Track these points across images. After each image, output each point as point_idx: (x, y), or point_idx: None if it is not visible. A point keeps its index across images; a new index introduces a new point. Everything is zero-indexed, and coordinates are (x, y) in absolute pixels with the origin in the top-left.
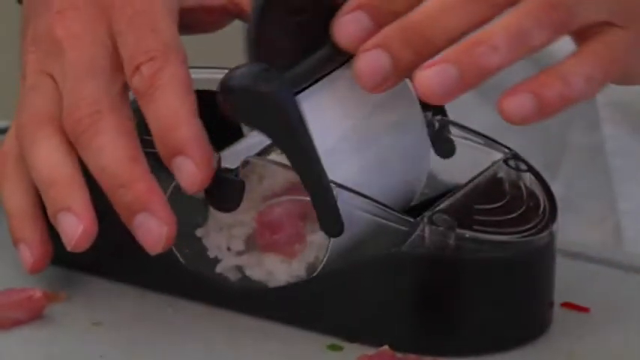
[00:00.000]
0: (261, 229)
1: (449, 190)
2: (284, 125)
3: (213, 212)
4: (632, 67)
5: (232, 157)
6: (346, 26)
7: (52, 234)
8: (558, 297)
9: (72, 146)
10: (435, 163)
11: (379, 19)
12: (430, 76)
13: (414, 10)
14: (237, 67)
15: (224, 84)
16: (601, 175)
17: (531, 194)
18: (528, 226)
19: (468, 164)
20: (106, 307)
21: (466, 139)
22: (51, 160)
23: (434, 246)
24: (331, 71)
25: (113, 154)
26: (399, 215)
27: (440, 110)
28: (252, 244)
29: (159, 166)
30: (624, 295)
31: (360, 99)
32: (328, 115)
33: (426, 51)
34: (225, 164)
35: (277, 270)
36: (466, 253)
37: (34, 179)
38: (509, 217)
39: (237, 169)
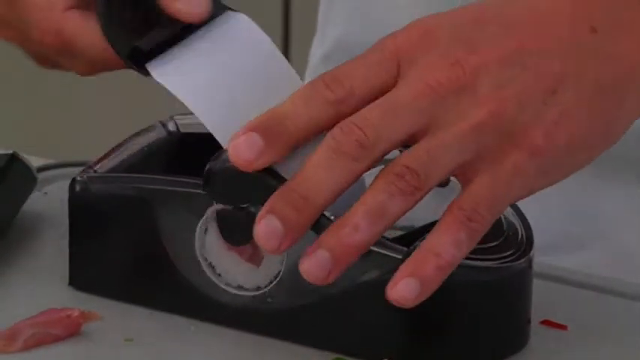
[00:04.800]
0: None
1: (430, 223)
2: (268, 187)
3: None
4: (512, 198)
5: None
6: (240, 148)
7: (83, 263)
8: (538, 315)
9: None
10: None
11: (273, 141)
12: (310, 264)
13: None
14: (215, 157)
15: (209, 173)
16: None
17: (510, 225)
18: (508, 252)
19: (447, 200)
20: (136, 325)
21: None
22: None
23: None
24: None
25: None
26: (394, 245)
27: None
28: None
29: (185, 206)
30: (600, 315)
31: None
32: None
33: (306, 208)
34: None
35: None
36: (454, 277)
37: None
38: (491, 245)
39: (247, 206)
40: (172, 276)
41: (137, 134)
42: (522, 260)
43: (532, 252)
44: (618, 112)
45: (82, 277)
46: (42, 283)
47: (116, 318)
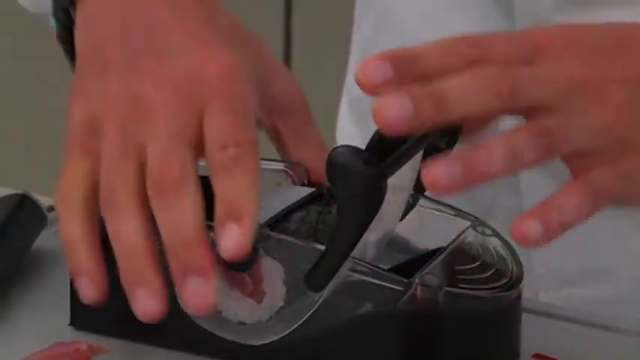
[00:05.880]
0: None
1: (424, 254)
2: (365, 202)
3: None
4: (623, 195)
5: None
6: (370, 69)
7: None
8: (530, 349)
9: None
10: (407, 230)
11: (402, 74)
12: (439, 169)
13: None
14: (345, 146)
15: (330, 158)
16: None
17: (500, 256)
18: (500, 283)
19: (437, 231)
20: (143, 358)
21: (437, 210)
22: (135, 230)
23: (424, 303)
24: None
25: (191, 217)
26: (394, 276)
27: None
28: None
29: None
30: (590, 350)
31: None
32: None
33: (443, 111)
34: None
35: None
36: (450, 307)
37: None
38: (483, 276)
39: None
40: (173, 314)
41: None
42: (514, 290)
43: (522, 284)
44: None
45: (82, 317)
46: (51, 319)
47: (123, 351)
